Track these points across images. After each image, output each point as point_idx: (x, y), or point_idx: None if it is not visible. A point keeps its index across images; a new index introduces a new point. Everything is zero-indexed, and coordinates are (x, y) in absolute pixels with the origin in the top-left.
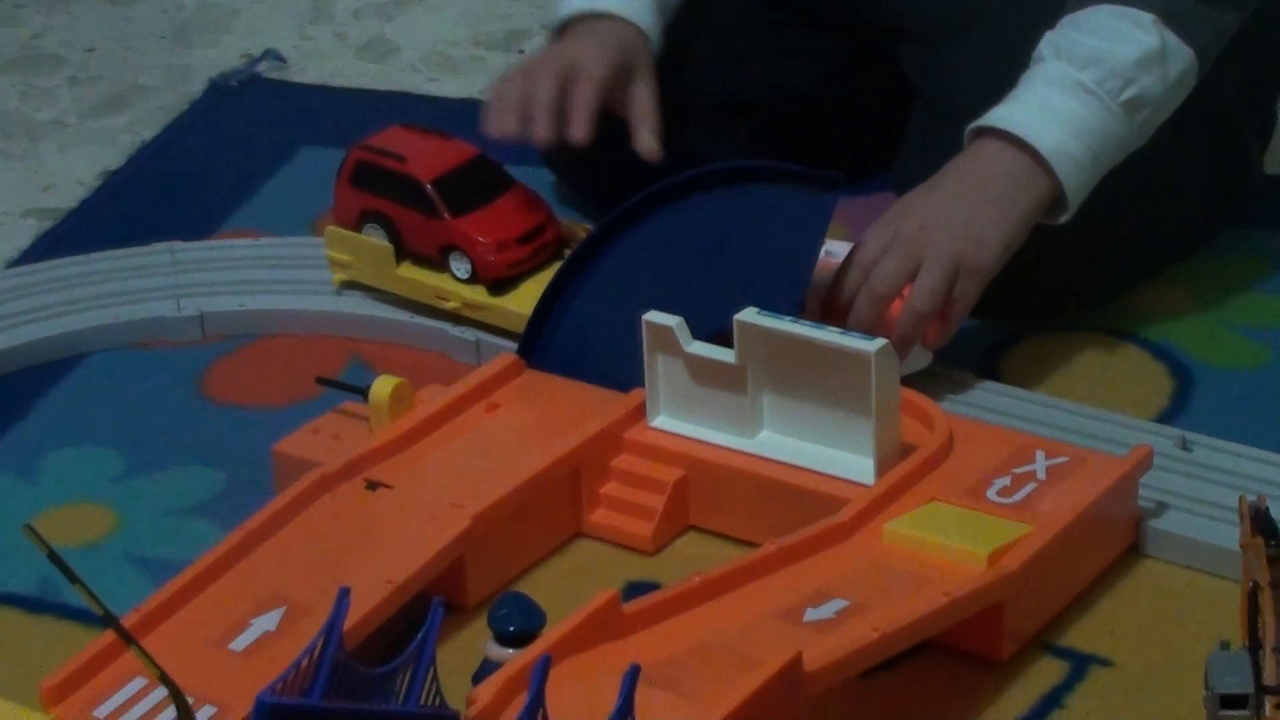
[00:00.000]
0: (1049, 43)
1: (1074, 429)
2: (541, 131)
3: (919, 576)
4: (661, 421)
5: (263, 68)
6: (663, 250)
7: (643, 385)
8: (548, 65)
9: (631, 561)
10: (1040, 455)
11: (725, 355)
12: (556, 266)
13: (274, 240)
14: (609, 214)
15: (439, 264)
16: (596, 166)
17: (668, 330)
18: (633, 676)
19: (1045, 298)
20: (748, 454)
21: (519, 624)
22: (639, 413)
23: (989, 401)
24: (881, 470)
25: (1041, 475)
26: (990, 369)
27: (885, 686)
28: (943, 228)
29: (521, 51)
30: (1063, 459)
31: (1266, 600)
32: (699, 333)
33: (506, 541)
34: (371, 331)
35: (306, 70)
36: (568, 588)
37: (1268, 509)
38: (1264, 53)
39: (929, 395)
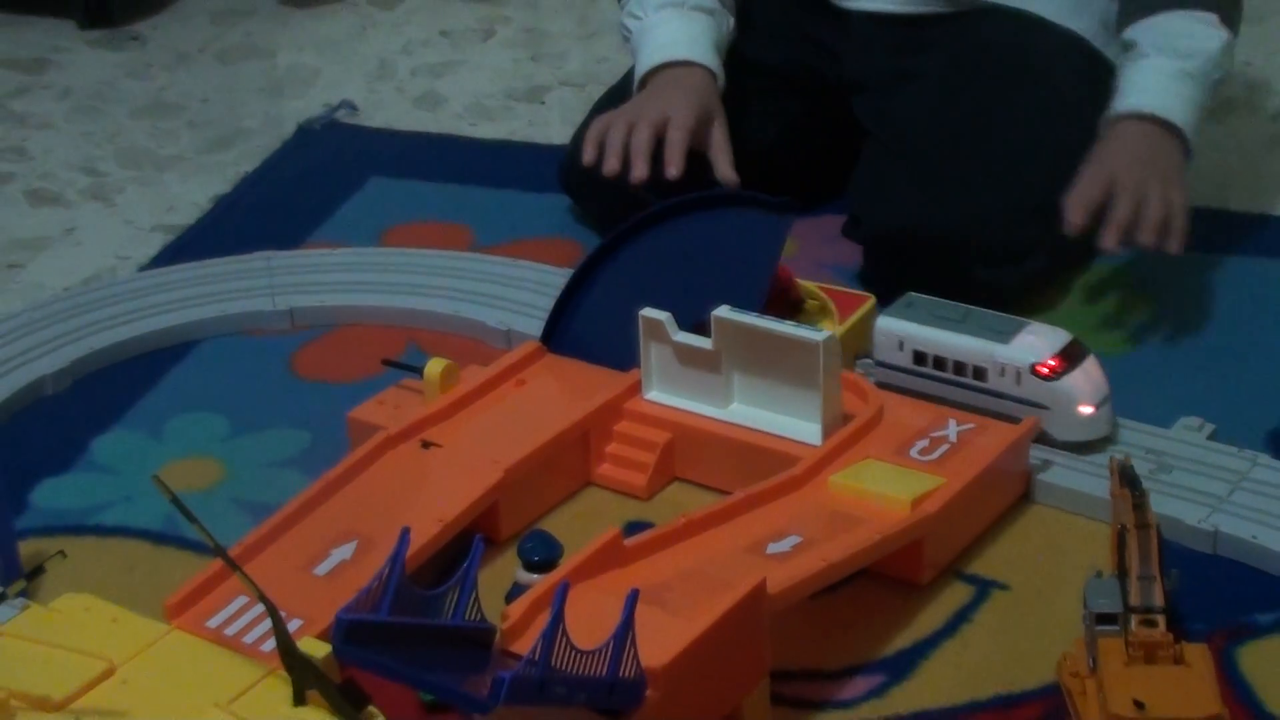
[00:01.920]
0: (1149, 42)
1: (979, 406)
2: (640, 173)
3: (857, 518)
4: (654, 395)
5: (340, 114)
6: (655, 259)
7: (639, 366)
8: (646, 115)
9: (630, 506)
10: (952, 423)
11: (704, 343)
12: (800, 319)
13: (348, 250)
14: (614, 231)
15: None
16: (606, 194)
17: (659, 323)
18: (633, 598)
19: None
20: (722, 421)
21: (542, 554)
22: (636, 388)
23: (907, 382)
24: (827, 434)
25: (953, 439)
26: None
27: (831, 605)
28: (1140, 163)
29: (543, 103)
30: (970, 425)
31: (1131, 539)
32: (683, 325)
33: (531, 489)
34: (426, 323)
35: (374, 117)
36: (580, 526)
37: (1132, 466)
38: None
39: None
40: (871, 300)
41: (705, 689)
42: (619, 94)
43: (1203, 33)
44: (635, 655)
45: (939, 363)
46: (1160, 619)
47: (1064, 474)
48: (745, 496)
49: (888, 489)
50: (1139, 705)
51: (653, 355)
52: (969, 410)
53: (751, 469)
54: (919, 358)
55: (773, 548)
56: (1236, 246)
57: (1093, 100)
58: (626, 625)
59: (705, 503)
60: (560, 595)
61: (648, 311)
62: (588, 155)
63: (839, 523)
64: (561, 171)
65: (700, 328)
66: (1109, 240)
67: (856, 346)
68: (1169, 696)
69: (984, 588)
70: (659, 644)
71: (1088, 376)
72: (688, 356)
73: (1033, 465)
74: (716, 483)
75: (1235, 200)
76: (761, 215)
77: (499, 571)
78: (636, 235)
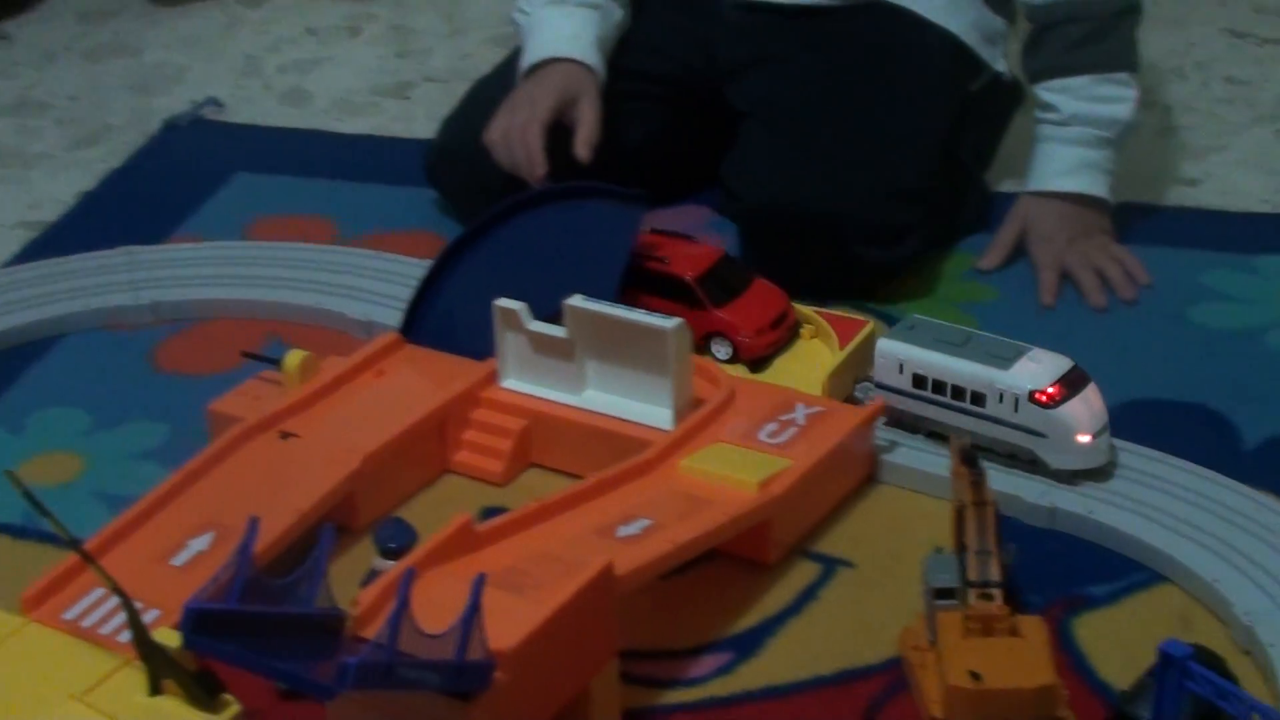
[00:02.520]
0: (1068, 110)
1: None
2: (539, 177)
3: (706, 501)
4: (509, 383)
5: (206, 111)
6: (512, 251)
7: (495, 355)
8: (516, 115)
9: (487, 492)
10: (800, 406)
11: (558, 331)
12: (798, 345)
13: (211, 244)
14: (470, 224)
15: (700, 349)
16: (472, 185)
17: (514, 312)
18: (480, 582)
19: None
20: (576, 407)
21: (397, 541)
22: (492, 376)
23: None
24: (678, 419)
25: (801, 422)
26: None
27: (681, 586)
28: (1084, 240)
29: (408, 99)
30: (817, 409)
31: (970, 516)
32: (538, 314)
33: (389, 477)
34: (288, 315)
35: (241, 113)
36: (438, 513)
37: (972, 446)
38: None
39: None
40: (871, 324)
41: (554, 670)
42: (490, 87)
43: (1118, 95)
44: (483, 638)
45: (938, 387)
46: (997, 593)
47: (908, 454)
48: (597, 481)
49: (736, 472)
50: (975, 676)
51: (508, 344)
52: (970, 436)
53: (605, 454)
54: (918, 381)
55: (623, 531)
56: (1126, 237)
57: (962, 96)
58: (474, 609)
59: (560, 488)
60: (406, 581)
61: (502, 301)
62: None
63: (688, 505)
64: (427, 164)
65: (557, 317)
66: (1099, 304)
67: (857, 371)
68: (1004, 667)
69: (830, 566)
70: (508, 627)
71: (1087, 405)
72: (542, 345)
73: (879, 446)
74: (572, 468)
75: (1126, 191)
76: (614, 207)
77: (357, 559)
78: (493, 228)
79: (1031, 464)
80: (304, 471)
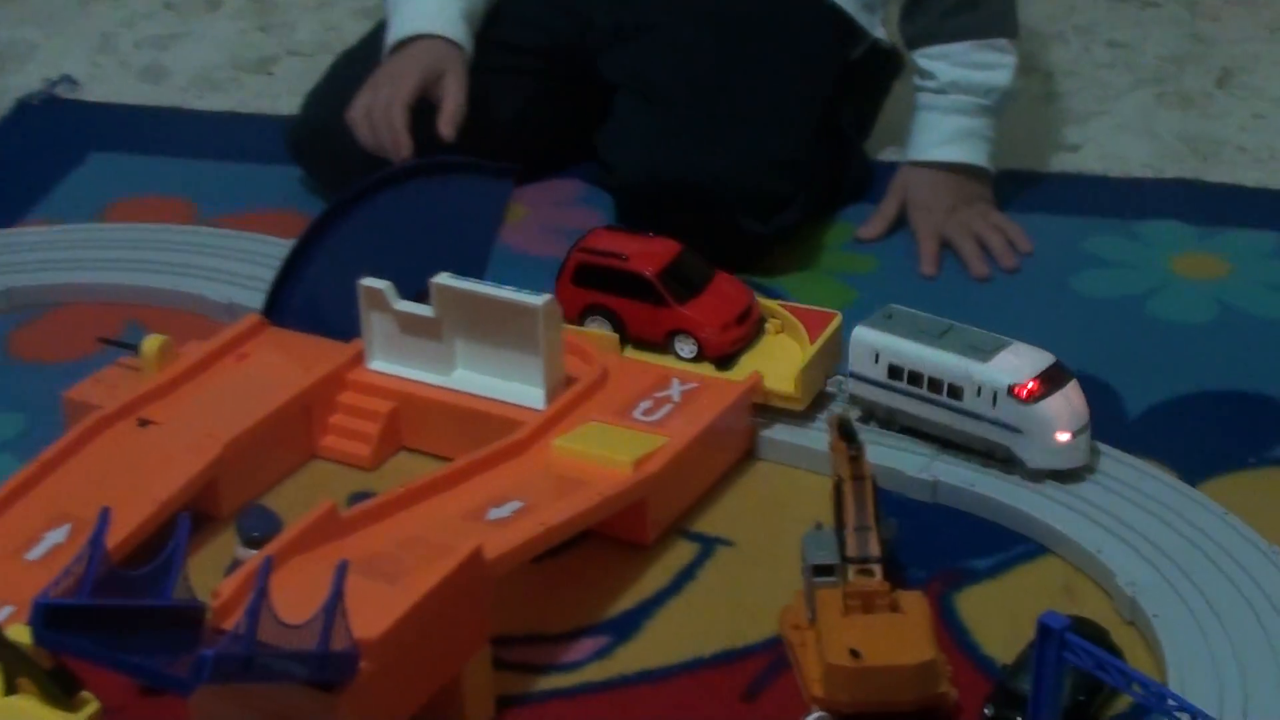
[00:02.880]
0: (947, 77)
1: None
2: (405, 155)
3: (580, 481)
4: (377, 364)
5: (60, 90)
6: (377, 228)
7: (361, 336)
8: (379, 93)
9: (355, 477)
10: (675, 382)
11: (425, 311)
12: (764, 340)
13: (67, 227)
14: (333, 200)
15: (662, 347)
16: (338, 160)
17: (379, 292)
18: (343, 569)
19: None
20: (445, 388)
21: (261, 529)
22: (359, 358)
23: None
24: (550, 398)
25: (676, 398)
26: None
27: (556, 568)
28: (964, 209)
29: (271, 74)
30: (693, 385)
31: (848, 490)
32: (406, 293)
33: (253, 463)
34: (147, 299)
35: (95, 91)
36: (305, 499)
37: (850, 420)
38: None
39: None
40: (839, 317)
41: (423, 658)
42: (355, 61)
43: (997, 61)
44: (347, 627)
45: (914, 378)
46: (876, 568)
47: (787, 430)
48: (467, 463)
49: (609, 451)
50: (854, 654)
51: (374, 324)
52: (948, 432)
53: (477, 435)
54: (894, 372)
55: (494, 513)
56: (1008, 204)
57: (842, 64)
58: (336, 597)
59: (430, 471)
60: (264, 569)
61: (367, 281)
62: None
63: (561, 486)
64: (291, 141)
65: (422, 295)
66: (981, 274)
67: (828, 364)
68: (884, 644)
69: (709, 545)
70: (373, 614)
71: (1067, 402)
72: (409, 325)
73: (757, 421)
74: (443, 450)
75: (1007, 157)
76: (482, 181)
77: (221, 549)
78: (357, 205)
79: (1008, 462)
80: (164, 460)
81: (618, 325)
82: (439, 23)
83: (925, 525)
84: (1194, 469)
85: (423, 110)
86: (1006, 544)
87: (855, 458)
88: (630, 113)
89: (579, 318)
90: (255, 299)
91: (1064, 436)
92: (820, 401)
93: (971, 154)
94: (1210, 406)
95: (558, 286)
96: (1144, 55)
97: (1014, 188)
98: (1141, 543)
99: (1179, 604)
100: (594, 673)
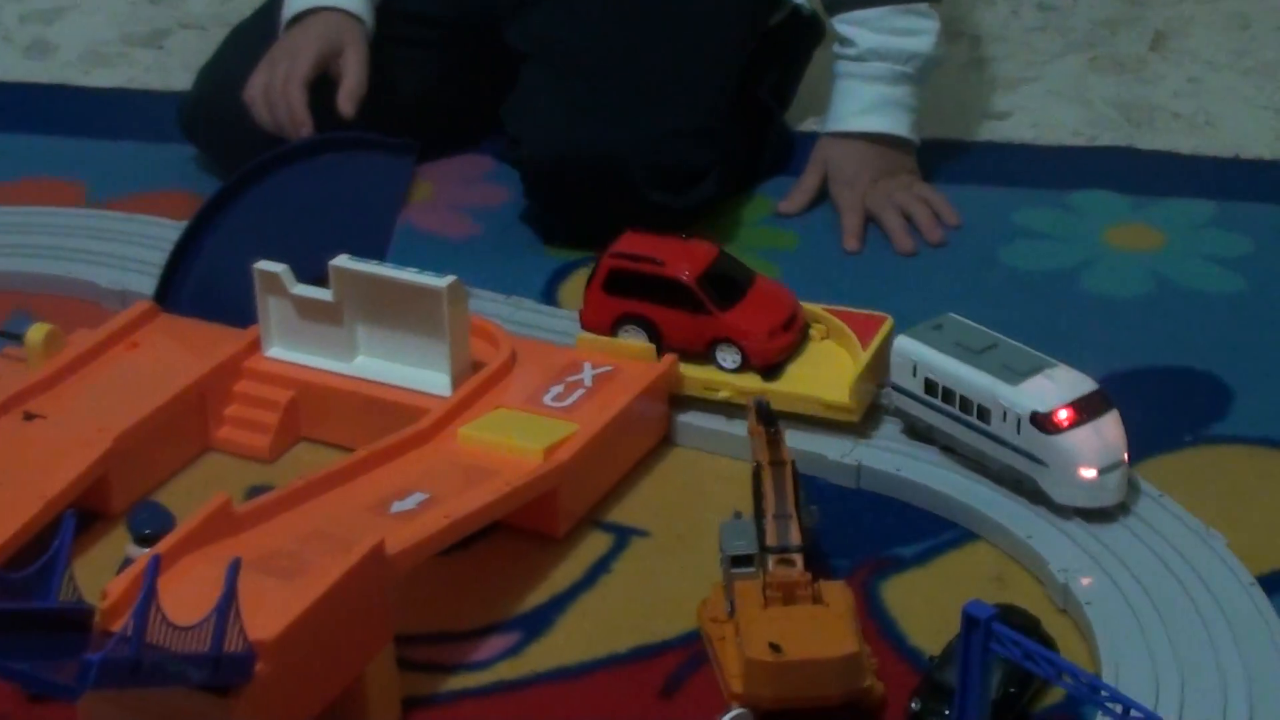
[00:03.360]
0: (866, 44)
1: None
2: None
3: (487, 470)
4: (274, 352)
5: None
6: (272, 209)
7: (257, 322)
8: (275, 70)
9: (253, 470)
10: (587, 366)
11: (325, 295)
12: (811, 347)
13: None
14: (226, 182)
15: (702, 357)
16: (231, 140)
17: (275, 276)
18: (235, 567)
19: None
20: (347, 375)
21: (152, 526)
22: (255, 345)
23: (547, 324)
24: (456, 384)
25: (588, 383)
26: (550, 297)
27: (463, 563)
28: (887, 182)
29: (162, 48)
30: (606, 369)
31: (766, 476)
32: (304, 276)
33: (145, 458)
34: (32, 286)
35: None
36: (200, 494)
37: (769, 403)
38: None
39: (494, 320)
40: (889, 321)
41: (323, 659)
42: (249, 33)
43: (918, 27)
44: (241, 627)
45: (948, 396)
46: (798, 558)
47: (704, 415)
48: (369, 454)
49: (518, 439)
50: (775, 648)
51: (271, 310)
52: (980, 456)
53: (380, 424)
54: (929, 387)
55: (397, 506)
56: (934, 176)
57: (760, 31)
58: (228, 597)
59: (332, 462)
60: (152, 569)
61: (263, 264)
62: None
63: (468, 476)
64: (183, 119)
65: (322, 279)
66: (906, 248)
67: (879, 373)
68: (806, 637)
69: (623, 536)
70: (269, 614)
71: (1097, 435)
72: (308, 310)
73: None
74: (345, 441)
75: (934, 126)
76: (381, 158)
77: (112, 547)
78: (250, 185)
79: (1036, 494)
80: (51, 455)
81: (654, 335)
82: None
83: (849, 512)
84: (1130, 449)
85: (323, 86)
86: (934, 531)
87: (774, 441)
88: (536, 83)
89: (611, 328)
90: (148, 285)
91: (1089, 473)
92: (873, 414)
93: (893, 123)
94: (1146, 383)
95: (588, 294)
96: (1075, 18)
97: (940, 157)
98: (1074, 528)
99: (1113, 591)
100: (505, 671)
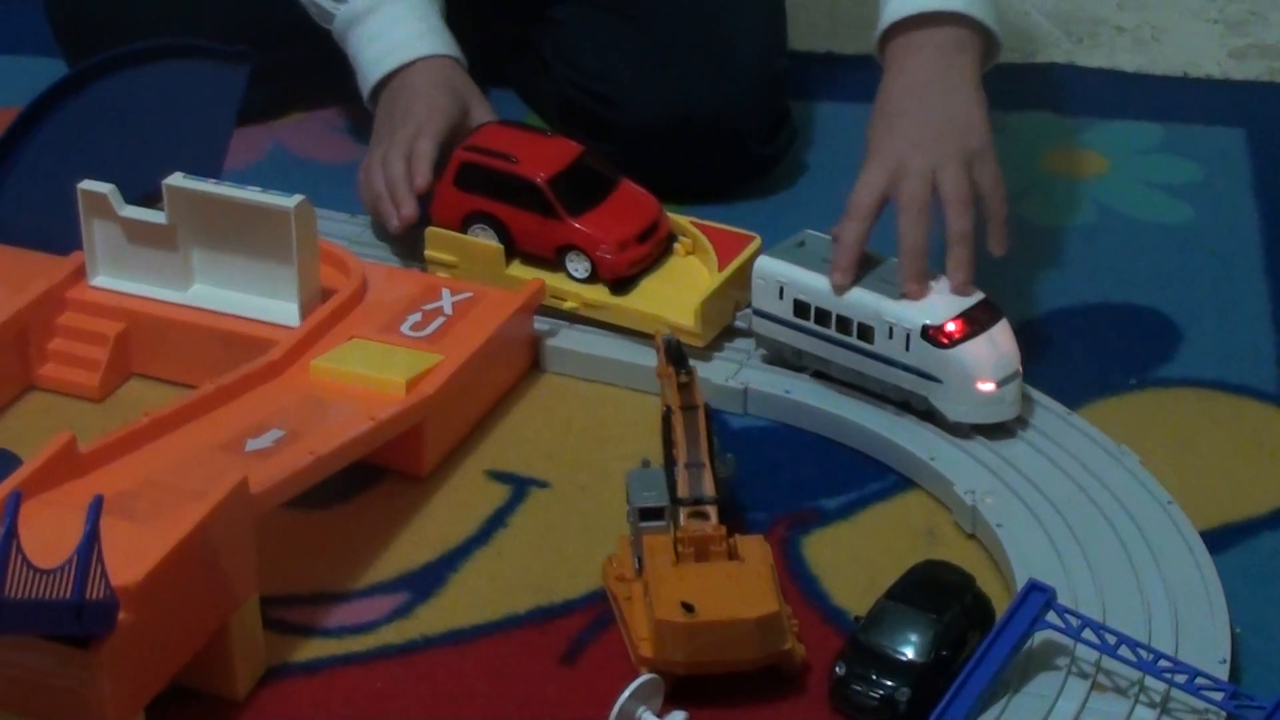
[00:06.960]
0: None
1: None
2: (408, 213)
3: (346, 405)
4: (101, 280)
5: None
6: (95, 124)
7: (82, 248)
8: (398, 145)
9: (82, 409)
10: (446, 293)
11: (157, 217)
12: (671, 262)
13: None
14: (40, 92)
15: (553, 264)
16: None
17: (101, 197)
18: (97, 505)
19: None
20: (182, 305)
21: None
22: (80, 274)
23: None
24: (306, 313)
25: (449, 310)
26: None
27: (343, 515)
28: (931, 138)
29: None
30: (466, 295)
31: (677, 421)
32: (133, 197)
33: None
34: None
35: None
36: (29, 437)
37: (679, 342)
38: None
39: (342, 244)
40: (757, 240)
41: (186, 608)
42: None
43: None
44: (104, 573)
45: (821, 316)
46: (712, 510)
47: (575, 337)
48: (216, 389)
49: (378, 370)
50: (687, 608)
51: (96, 235)
52: (860, 379)
53: (221, 358)
54: (800, 309)
55: (252, 444)
56: (854, 95)
57: None
58: (91, 538)
59: (170, 400)
60: (12, 506)
61: (87, 184)
62: (371, 212)
63: (326, 412)
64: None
65: (156, 200)
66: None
67: (740, 295)
68: (721, 597)
69: (521, 486)
70: (129, 560)
71: (992, 346)
72: (138, 233)
73: (540, 331)
74: (182, 377)
75: (855, 43)
76: (213, 67)
77: None
78: (69, 96)
79: (928, 414)
80: None
81: (504, 236)
82: (428, 43)
83: (768, 461)
84: (1070, 394)
85: None
86: (859, 482)
87: (685, 385)
88: (603, 32)
89: (461, 224)
90: None
91: (987, 386)
92: (727, 336)
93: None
94: (1087, 321)
95: (438, 188)
96: None
97: (865, 77)
98: (977, 447)
99: (1024, 511)
100: (392, 635)
